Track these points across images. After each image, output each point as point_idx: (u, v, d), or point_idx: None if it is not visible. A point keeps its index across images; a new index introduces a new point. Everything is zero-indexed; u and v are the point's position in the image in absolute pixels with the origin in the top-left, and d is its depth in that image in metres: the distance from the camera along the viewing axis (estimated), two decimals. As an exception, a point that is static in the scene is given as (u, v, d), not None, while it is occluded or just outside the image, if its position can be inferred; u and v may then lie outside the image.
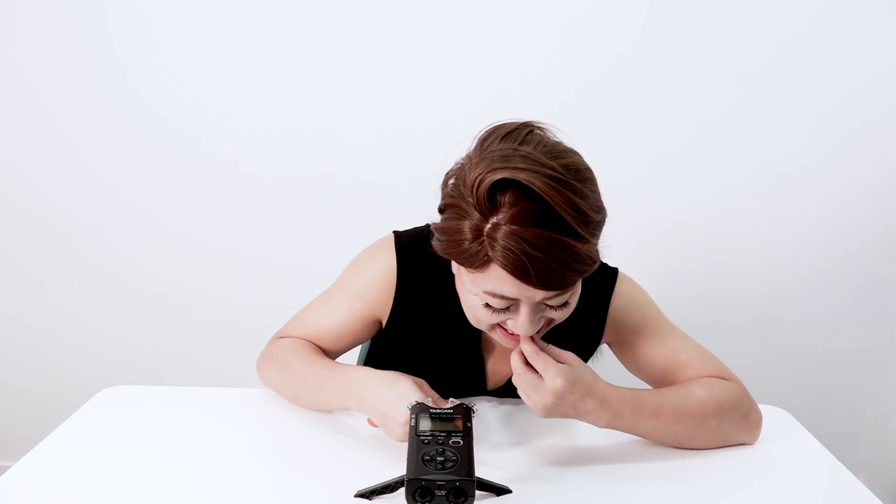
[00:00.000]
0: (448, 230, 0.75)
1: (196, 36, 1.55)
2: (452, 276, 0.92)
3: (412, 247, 0.93)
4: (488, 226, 0.71)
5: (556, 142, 0.76)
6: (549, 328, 0.84)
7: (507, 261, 0.70)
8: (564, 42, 1.56)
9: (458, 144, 0.79)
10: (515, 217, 0.69)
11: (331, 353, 0.98)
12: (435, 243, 0.79)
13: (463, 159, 0.77)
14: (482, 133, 0.78)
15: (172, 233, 1.67)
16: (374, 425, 0.86)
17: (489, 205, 0.70)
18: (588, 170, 0.76)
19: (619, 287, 0.97)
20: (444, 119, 1.58)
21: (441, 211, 0.79)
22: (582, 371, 0.80)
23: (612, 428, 0.83)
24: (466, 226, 0.72)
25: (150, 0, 1.52)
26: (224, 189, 1.64)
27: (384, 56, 1.56)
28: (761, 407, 1.01)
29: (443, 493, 0.64)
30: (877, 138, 1.64)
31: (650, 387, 0.98)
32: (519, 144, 0.73)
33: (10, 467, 0.77)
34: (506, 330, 0.81)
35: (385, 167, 1.62)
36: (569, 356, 0.81)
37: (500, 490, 0.74)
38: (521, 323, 0.77)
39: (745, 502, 0.78)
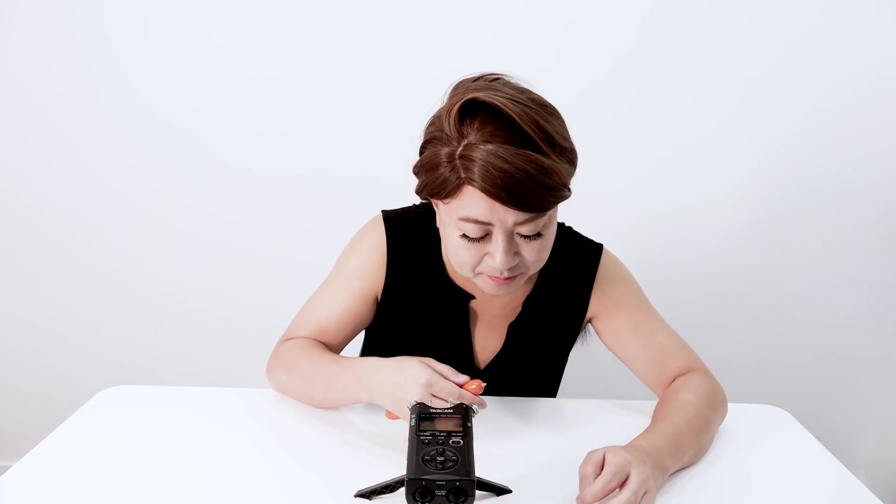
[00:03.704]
0: (425, 162, 0.80)
1: (195, 38, 1.55)
2: (439, 248, 0.95)
3: (400, 221, 0.97)
4: (461, 148, 0.76)
5: (525, 87, 0.83)
6: (525, 276, 0.85)
7: (480, 178, 0.74)
8: (564, 43, 1.56)
9: (434, 103, 0.85)
10: (484, 135, 0.75)
11: (337, 344, 0.99)
12: (417, 186, 0.83)
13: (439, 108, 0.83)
14: (453, 83, 0.85)
15: (173, 232, 1.67)
16: (394, 417, 0.84)
17: (460, 127, 0.76)
18: (554, 108, 0.81)
19: (605, 261, 1.00)
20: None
21: (421, 154, 0.83)
22: (629, 457, 0.73)
23: (668, 471, 0.79)
24: (442, 152, 0.77)
25: (148, 1, 1.52)
26: (224, 189, 1.64)
27: (383, 58, 1.56)
28: (761, 407, 1.02)
29: (443, 493, 0.64)
30: (878, 138, 1.64)
31: (627, 366, 1.00)
32: (490, 82, 0.81)
33: (10, 467, 0.77)
34: (492, 277, 0.83)
35: (385, 167, 1.62)
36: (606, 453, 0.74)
37: (500, 490, 0.74)
38: (497, 255, 0.79)
39: (746, 502, 0.78)
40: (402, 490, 0.65)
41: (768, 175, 1.66)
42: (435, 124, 0.81)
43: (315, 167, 1.63)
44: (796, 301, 1.76)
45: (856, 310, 1.77)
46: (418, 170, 0.83)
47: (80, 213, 1.65)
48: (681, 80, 1.59)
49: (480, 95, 0.75)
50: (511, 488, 0.75)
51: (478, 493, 0.69)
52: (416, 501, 0.64)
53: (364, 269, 0.96)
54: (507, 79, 0.83)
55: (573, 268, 0.98)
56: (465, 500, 0.64)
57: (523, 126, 0.74)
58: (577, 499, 0.72)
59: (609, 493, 0.70)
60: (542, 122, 0.76)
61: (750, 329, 1.77)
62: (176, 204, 1.65)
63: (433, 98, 1.60)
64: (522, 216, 0.77)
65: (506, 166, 0.73)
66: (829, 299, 1.76)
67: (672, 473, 0.80)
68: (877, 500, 0.79)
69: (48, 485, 0.74)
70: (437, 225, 0.88)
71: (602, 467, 0.71)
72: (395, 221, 0.97)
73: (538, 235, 0.81)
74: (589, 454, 0.74)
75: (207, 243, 1.68)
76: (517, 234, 0.80)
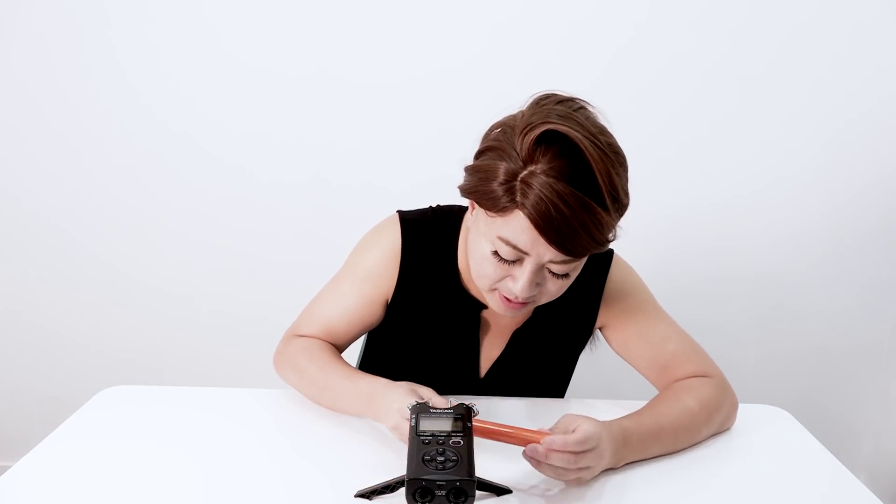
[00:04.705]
0: (482, 168, 0.78)
1: (196, 39, 1.55)
2: (455, 254, 0.93)
3: (417, 224, 0.95)
4: (525, 172, 0.73)
5: (603, 125, 0.80)
6: (536, 305, 0.85)
7: (534, 209, 0.72)
8: (564, 42, 1.55)
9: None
10: (554, 170, 0.72)
11: (344, 343, 0.98)
12: (462, 184, 0.81)
13: (513, 114, 0.80)
14: (537, 95, 0.81)
15: (173, 232, 1.67)
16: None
17: (533, 152, 0.73)
18: (624, 156, 0.79)
19: (615, 268, 0.98)
20: (443, 122, 1.58)
21: (476, 157, 0.81)
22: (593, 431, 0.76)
23: (620, 462, 0.81)
24: (503, 167, 0.75)
25: (151, 2, 1.52)
26: (224, 189, 1.64)
27: (383, 59, 1.56)
28: (761, 407, 1.02)
29: (443, 493, 0.64)
30: (877, 137, 1.64)
31: (638, 372, 0.99)
32: (574, 111, 0.77)
33: (10, 467, 0.77)
34: (505, 298, 0.83)
35: (382, 172, 1.62)
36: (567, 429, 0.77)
37: (500, 490, 0.74)
38: (520, 281, 0.78)
39: (746, 502, 0.78)
40: (402, 490, 0.65)
41: (768, 175, 1.66)
42: (506, 133, 0.77)
43: (314, 171, 1.63)
44: (796, 300, 1.76)
45: (856, 309, 1.77)
46: (472, 172, 0.80)
47: (80, 214, 1.65)
48: (682, 79, 1.59)
49: (562, 128, 0.72)
50: (511, 488, 0.75)
51: (478, 493, 0.69)
52: (416, 501, 0.64)
53: (376, 271, 0.95)
54: (589, 111, 0.80)
55: (583, 276, 0.94)
56: (465, 501, 0.64)
57: (597, 175, 0.72)
58: (534, 446, 0.72)
59: (562, 451, 0.71)
60: (613, 174, 0.74)
61: (750, 329, 1.77)
62: (176, 204, 1.65)
63: (432, 100, 1.61)
64: (560, 256, 0.76)
65: (566, 209, 0.71)
66: (828, 298, 1.76)
67: (664, 473, 0.82)
68: (876, 499, 0.79)
69: (48, 485, 0.74)
70: (466, 225, 0.86)
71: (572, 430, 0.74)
72: (412, 224, 0.95)
73: (565, 275, 0.81)
74: (568, 418, 0.76)
75: (207, 243, 1.68)
76: (547, 268, 0.79)
